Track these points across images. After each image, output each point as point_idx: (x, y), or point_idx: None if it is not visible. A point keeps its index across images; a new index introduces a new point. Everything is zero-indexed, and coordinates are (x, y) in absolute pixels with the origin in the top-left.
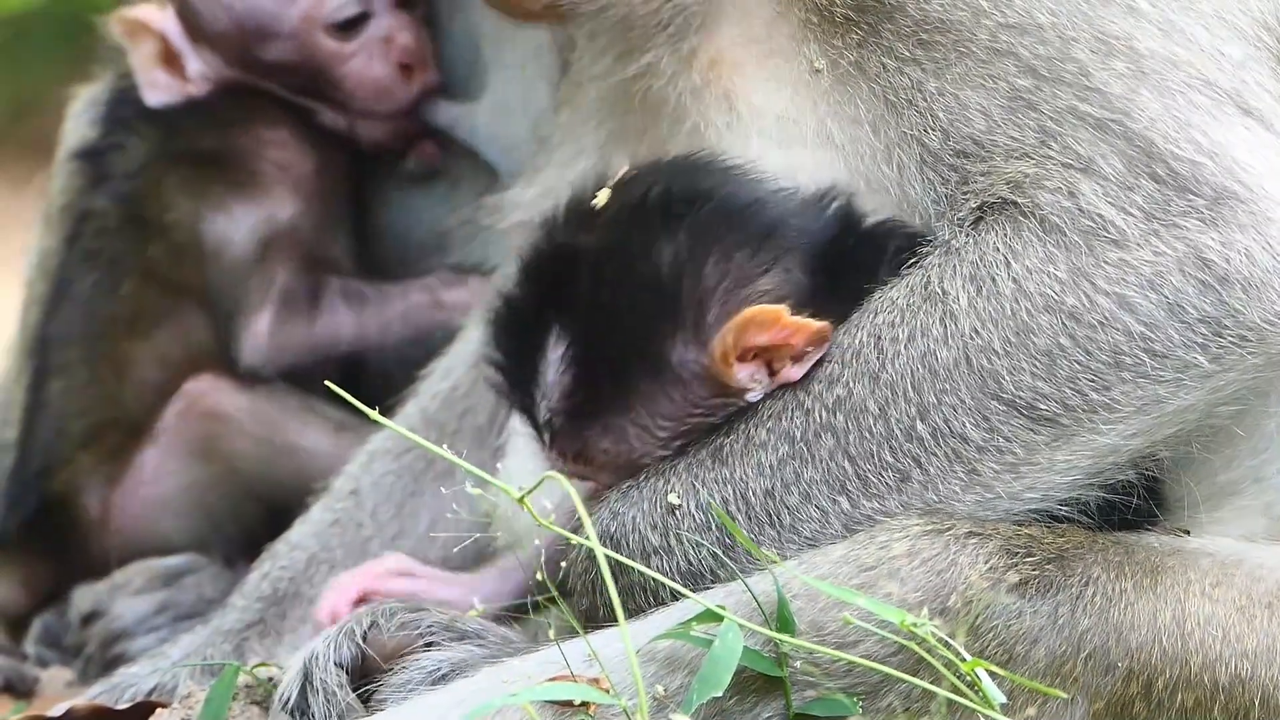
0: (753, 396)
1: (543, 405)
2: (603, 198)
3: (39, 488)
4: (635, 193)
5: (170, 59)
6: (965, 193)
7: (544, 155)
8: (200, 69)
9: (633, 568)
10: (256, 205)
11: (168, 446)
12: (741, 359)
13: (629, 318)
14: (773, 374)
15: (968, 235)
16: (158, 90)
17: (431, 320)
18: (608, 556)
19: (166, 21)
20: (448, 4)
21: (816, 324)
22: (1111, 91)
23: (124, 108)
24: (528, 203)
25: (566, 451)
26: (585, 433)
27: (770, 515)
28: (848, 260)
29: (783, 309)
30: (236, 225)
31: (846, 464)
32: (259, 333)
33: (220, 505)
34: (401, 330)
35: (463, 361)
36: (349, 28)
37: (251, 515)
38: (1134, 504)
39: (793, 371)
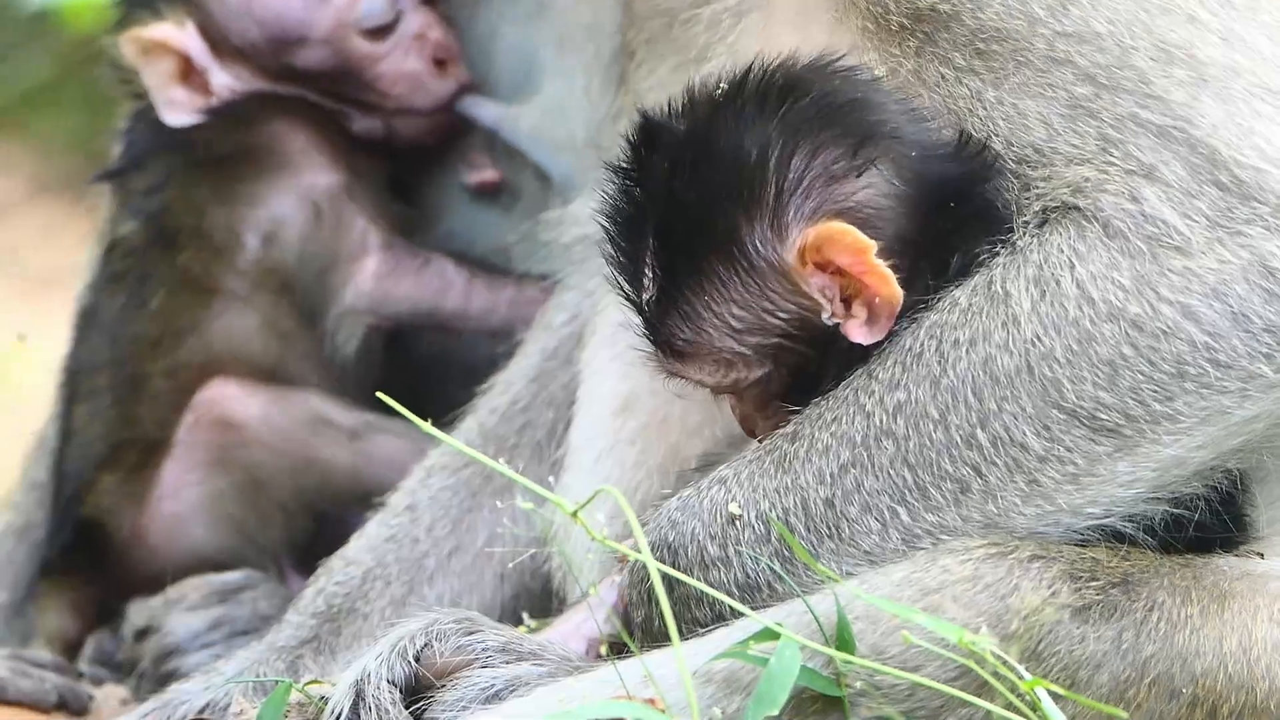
0: (826, 319)
1: (643, 292)
2: (724, 89)
3: (73, 513)
4: (742, 80)
5: (189, 75)
6: (1027, 198)
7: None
8: (227, 82)
9: (688, 582)
10: (294, 180)
11: (185, 458)
12: (819, 267)
13: (712, 198)
14: (845, 305)
15: (1033, 236)
16: (177, 109)
17: (527, 319)
18: (661, 569)
19: (187, 39)
20: (501, 7)
21: (894, 290)
22: (1172, 99)
23: (140, 129)
24: (588, 216)
25: (656, 342)
26: (668, 319)
27: (830, 527)
28: (956, 211)
29: (871, 245)
30: (282, 204)
31: (906, 472)
32: (365, 277)
33: (246, 515)
34: (504, 317)
35: (522, 375)
36: (382, 29)
37: (280, 524)
38: (1204, 521)
39: (859, 329)
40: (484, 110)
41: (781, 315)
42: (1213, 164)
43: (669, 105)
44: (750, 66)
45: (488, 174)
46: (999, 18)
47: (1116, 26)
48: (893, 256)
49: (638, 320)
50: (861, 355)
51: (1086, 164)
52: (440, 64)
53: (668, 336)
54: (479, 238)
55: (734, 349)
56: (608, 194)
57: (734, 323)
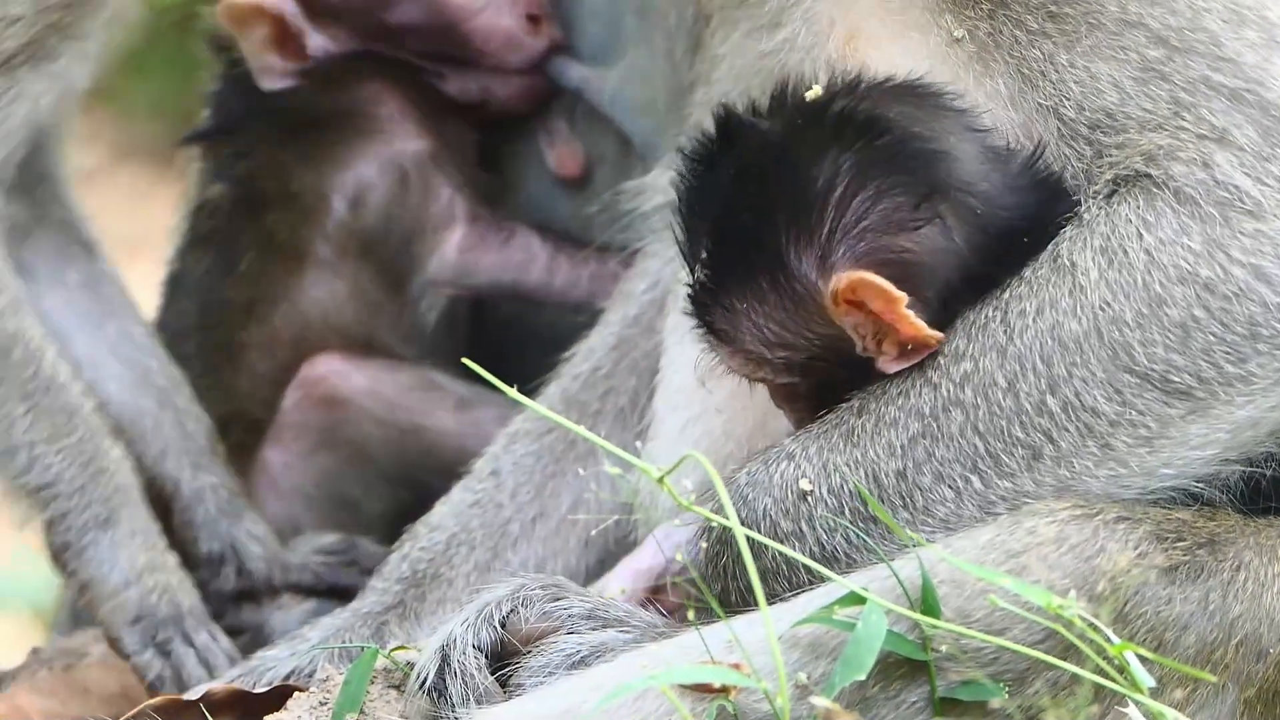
0: (859, 351)
1: (697, 265)
2: (814, 93)
3: None
4: (831, 97)
5: (284, 41)
6: (1100, 166)
7: (682, 136)
8: (322, 44)
9: (773, 549)
10: (384, 146)
11: (291, 439)
12: (852, 305)
13: (771, 213)
14: (877, 341)
15: (1100, 208)
16: (273, 74)
17: (608, 293)
18: (749, 535)
19: (281, 2)
20: None
21: (929, 332)
22: (1245, 61)
23: (229, 91)
24: (668, 184)
25: (699, 317)
26: (712, 305)
27: (904, 498)
28: (1015, 252)
29: (903, 299)
30: (369, 169)
31: (977, 440)
32: (449, 248)
33: (354, 492)
34: (586, 291)
35: (604, 343)
36: None
37: (388, 498)
38: None
39: (892, 363)
40: (571, 72)
41: (814, 339)
42: None
43: (753, 102)
44: (839, 82)
45: (569, 165)
46: None
47: None
48: (935, 304)
49: (688, 291)
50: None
51: (1159, 130)
52: (533, 20)
53: (709, 318)
54: (560, 205)
55: (764, 355)
56: (680, 172)
57: (768, 333)
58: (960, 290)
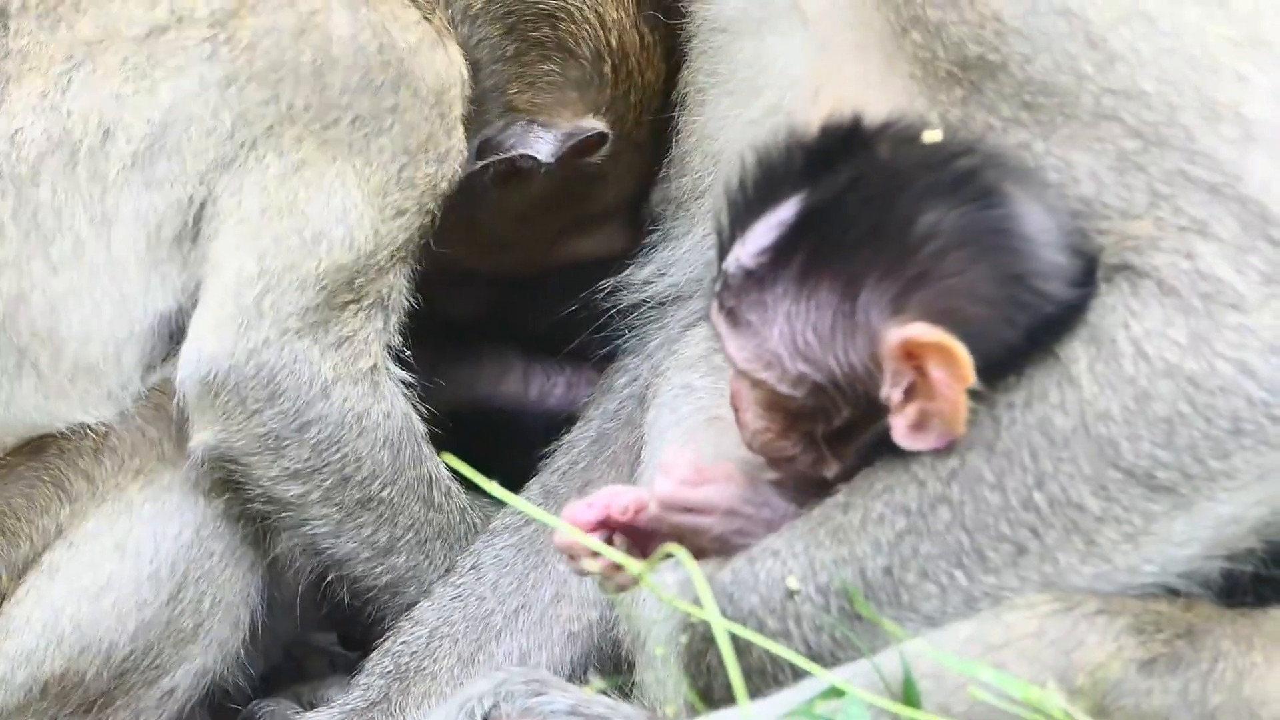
0: (882, 396)
1: (737, 249)
2: (933, 136)
3: None
4: (955, 150)
5: None
6: None
7: (658, 231)
8: None
9: (756, 644)
10: None
11: None
12: (909, 356)
13: (866, 234)
14: (905, 402)
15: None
16: None
17: (572, 404)
18: (728, 633)
19: None
20: None
21: (963, 422)
22: (1220, 155)
23: None
24: (641, 282)
25: (723, 302)
26: (747, 291)
27: (890, 594)
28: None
29: (971, 382)
30: None
31: (964, 537)
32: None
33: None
34: (560, 400)
35: (584, 438)
36: None
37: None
38: (1263, 575)
39: (903, 427)
40: None
41: (843, 366)
42: (1264, 220)
43: (885, 120)
44: (967, 152)
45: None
46: (1046, 72)
47: (1164, 85)
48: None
49: (718, 269)
50: (888, 449)
51: (1140, 219)
52: None
53: (734, 303)
54: (548, 305)
55: (783, 361)
56: (777, 147)
57: (800, 341)
58: (989, 374)
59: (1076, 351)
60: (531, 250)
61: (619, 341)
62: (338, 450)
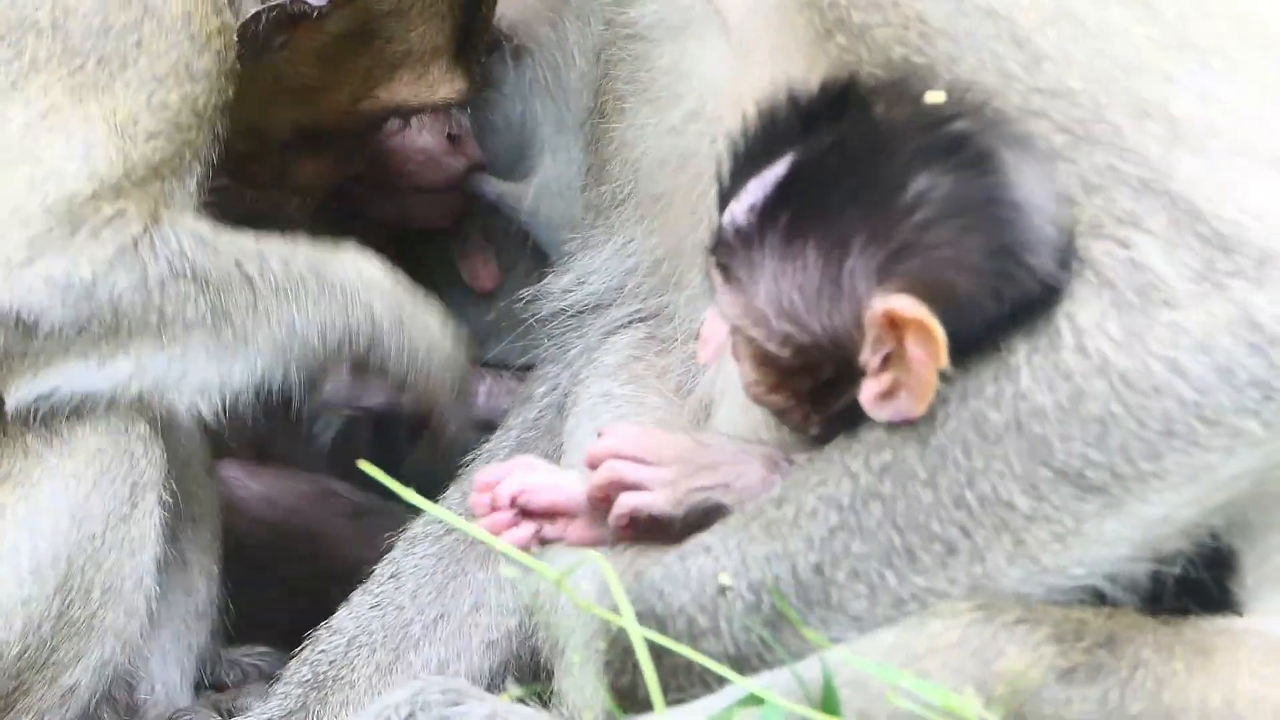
0: (861, 361)
1: (732, 205)
2: (935, 98)
3: None
4: (951, 113)
5: None
6: None
7: (576, 241)
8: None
9: (675, 651)
10: None
11: None
12: (890, 325)
13: (855, 197)
14: (881, 365)
15: None
16: None
17: (493, 411)
18: (647, 638)
19: None
20: (511, 87)
21: (928, 400)
22: (1149, 153)
23: None
24: (560, 290)
25: (717, 257)
26: (742, 250)
27: (820, 593)
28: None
29: (943, 363)
30: None
31: (895, 535)
32: (344, 372)
33: (250, 599)
34: (482, 409)
35: (504, 447)
36: None
37: (284, 606)
38: (1189, 578)
39: (872, 393)
40: (488, 186)
41: (826, 329)
42: (1194, 217)
43: (886, 79)
44: (964, 117)
45: (484, 279)
46: (973, 72)
47: (1091, 83)
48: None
49: (715, 225)
50: (859, 415)
51: (1080, 207)
52: (454, 140)
53: (726, 259)
54: (470, 315)
55: (768, 319)
56: (776, 109)
57: (786, 301)
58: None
59: (1015, 341)
60: (348, 95)
61: (538, 351)
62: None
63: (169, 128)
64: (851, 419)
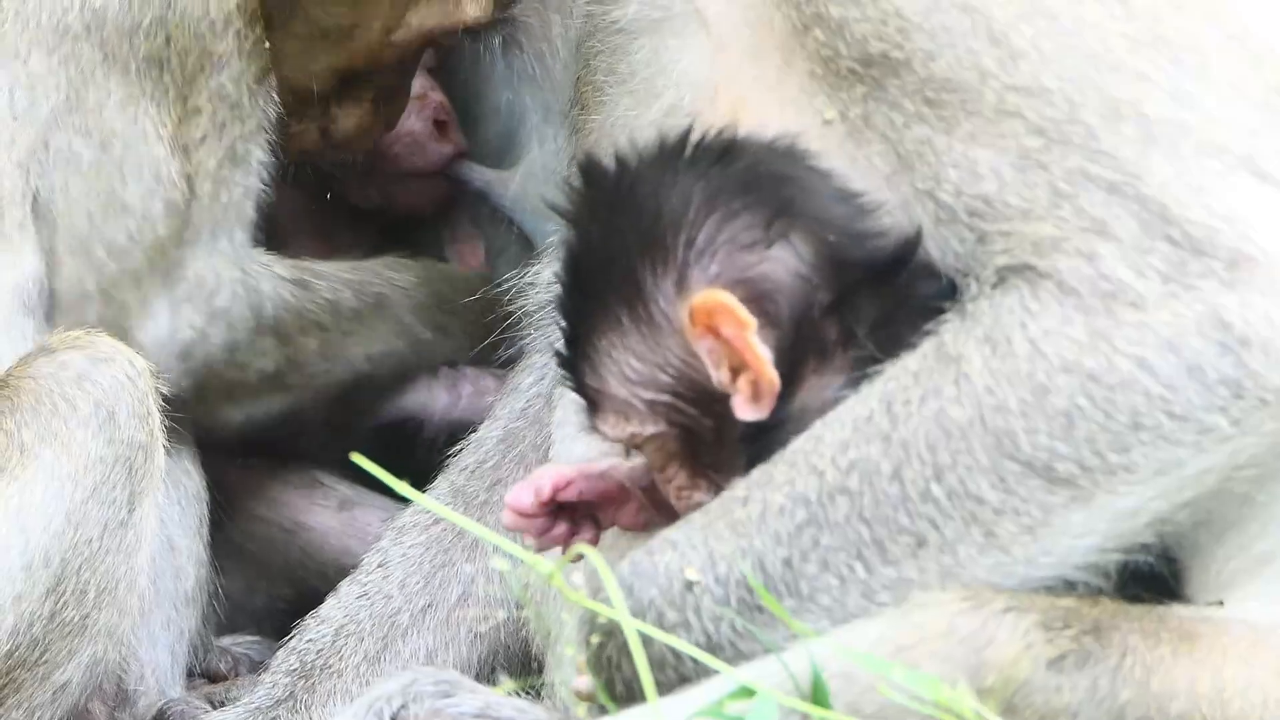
0: (715, 382)
1: (564, 319)
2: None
3: None
4: (683, 138)
5: None
6: (985, 254)
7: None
8: None
9: (660, 640)
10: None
11: None
12: (709, 330)
13: (628, 245)
14: (731, 374)
15: (985, 298)
16: None
17: (477, 411)
18: (640, 628)
19: None
20: (499, 76)
21: (768, 370)
22: (1121, 155)
23: None
24: (546, 282)
25: (570, 377)
26: (579, 359)
27: (789, 585)
28: (872, 294)
29: (751, 323)
30: None
31: (863, 528)
32: None
33: (236, 590)
34: (464, 410)
35: (492, 436)
36: None
37: (271, 596)
38: (1155, 569)
39: (743, 404)
40: (474, 173)
41: (674, 372)
42: (1164, 220)
43: (614, 150)
44: (695, 127)
45: (471, 260)
46: (950, 68)
47: (1065, 82)
48: (787, 335)
49: (558, 353)
50: (764, 440)
51: (1042, 220)
52: (440, 126)
53: (579, 381)
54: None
55: (628, 400)
56: (553, 233)
57: (630, 372)
58: (811, 333)
59: (970, 350)
60: (380, 27)
61: (524, 342)
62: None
63: (212, 128)
64: (761, 438)
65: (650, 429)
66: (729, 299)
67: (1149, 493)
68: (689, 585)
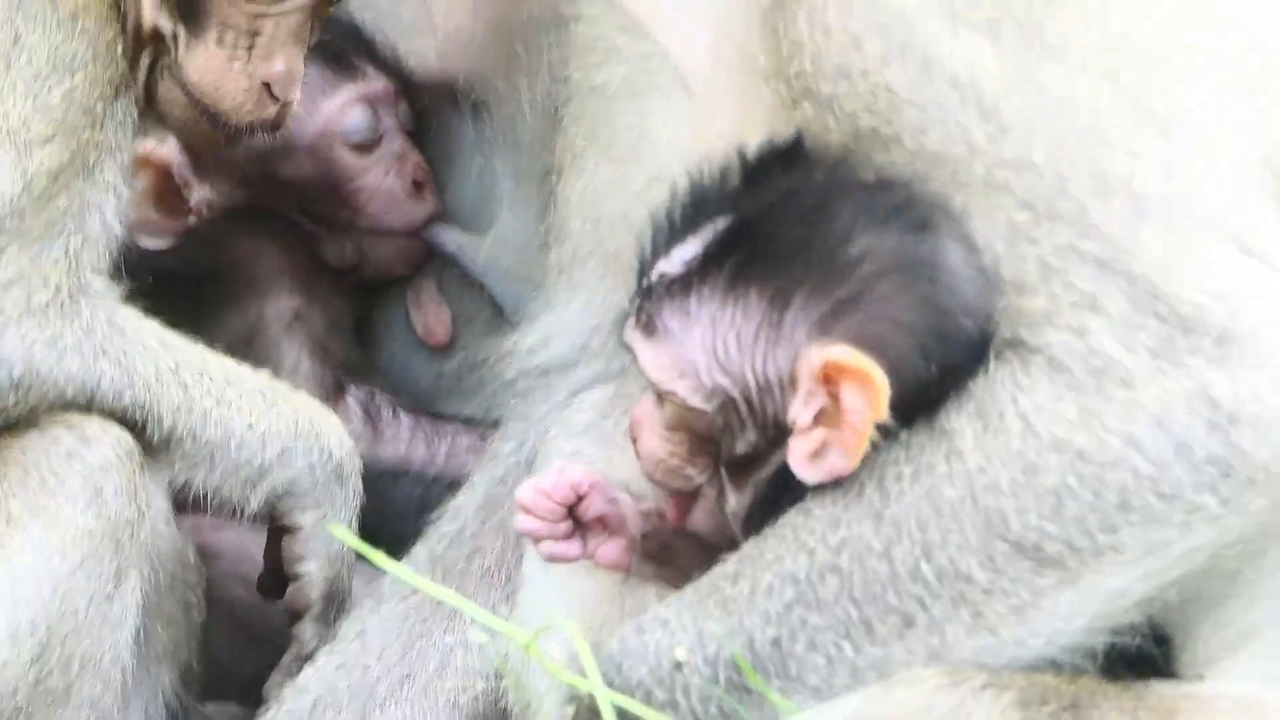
0: (790, 418)
1: (661, 264)
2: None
3: None
4: (887, 182)
5: (164, 195)
6: None
7: (540, 300)
8: (205, 198)
9: (641, 716)
10: (255, 302)
11: None
12: (825, 379)
13: (799, 250)
14: (811, 422)
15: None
16: (150, 234)
17: (463, 467)
18: (614, 705)
19: (171, 153)
20: (469, 141)
21: (858, 457)
22: (1111, 230)
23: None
24: (526, 350)
25: (640, 314)
26: (670, 299)
27: (777, 666)
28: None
29: (882, 417)
30: (237, 329)
31: (852, 608)
32: None
33: (220, 653)
34: (441, 468)
35: (471, 504)
36: (367, 145)
37: (253, 661)
38: (1143, 649)
39: (801, 455)
40: (446, 236)
41: (759, 380)
42: (1153, 296)
43: (819, 143)
44: (898, 178)
45: (437, 333)
46: (939, 143)
47: (1055, 157)
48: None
49: (640, 282)
50: (789, 491)
51: (1035, 294)
52: (417, 186)
53: (655, 312)
54: (421, 369)
55: (698, 370)
56: (712, 165)
57: (719, 348)
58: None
59: (963, 425)
60: None
61: (501, 409)
62: (42, 381)
63: (60, 129)
64: (766, 493)
65: (695, 401)
66: (882, 382)
67: (1137, 573)
68: (678, 665)
